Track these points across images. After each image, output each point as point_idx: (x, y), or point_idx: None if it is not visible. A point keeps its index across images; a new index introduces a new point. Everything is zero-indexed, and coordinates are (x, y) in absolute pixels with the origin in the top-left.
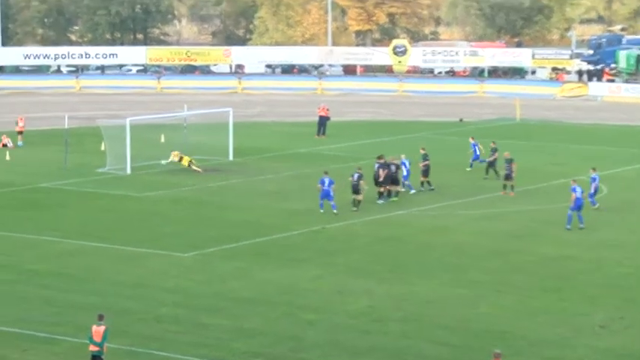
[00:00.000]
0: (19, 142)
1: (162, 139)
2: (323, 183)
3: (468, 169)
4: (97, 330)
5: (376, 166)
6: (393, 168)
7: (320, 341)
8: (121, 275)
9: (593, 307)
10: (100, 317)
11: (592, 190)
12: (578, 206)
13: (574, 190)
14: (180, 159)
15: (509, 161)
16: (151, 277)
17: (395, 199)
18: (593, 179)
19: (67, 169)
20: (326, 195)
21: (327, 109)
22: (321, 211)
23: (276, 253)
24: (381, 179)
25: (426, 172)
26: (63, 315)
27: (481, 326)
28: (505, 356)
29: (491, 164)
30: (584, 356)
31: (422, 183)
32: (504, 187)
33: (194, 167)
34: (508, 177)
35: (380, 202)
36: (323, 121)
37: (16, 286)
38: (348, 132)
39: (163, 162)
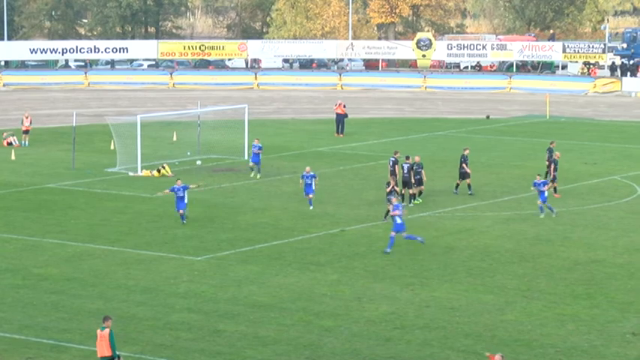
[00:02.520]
0: (25, 143)
1: (175, 138)
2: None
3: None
4: (102, 335)
5: (406, 167)
6: (419, 169)
7: (338, 350)
8: (131, 280)
9: (624, 313)
10: (104, 319)
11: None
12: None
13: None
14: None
15: (555, 163)
16: (162, 281)
17: (419, 201)
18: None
19: (75, 170)
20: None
21: (344, 106)
22: (311, 207)
23: (293, 257)
24: (413, 181)
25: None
26: (71, 321)
27: (508, 334)
28: None
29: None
30: None
31: (457, 185)
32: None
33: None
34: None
35: (410, 205)
36: (340, 118)
37: (22, 290)
38: (369, 130)
39: (198, 162)
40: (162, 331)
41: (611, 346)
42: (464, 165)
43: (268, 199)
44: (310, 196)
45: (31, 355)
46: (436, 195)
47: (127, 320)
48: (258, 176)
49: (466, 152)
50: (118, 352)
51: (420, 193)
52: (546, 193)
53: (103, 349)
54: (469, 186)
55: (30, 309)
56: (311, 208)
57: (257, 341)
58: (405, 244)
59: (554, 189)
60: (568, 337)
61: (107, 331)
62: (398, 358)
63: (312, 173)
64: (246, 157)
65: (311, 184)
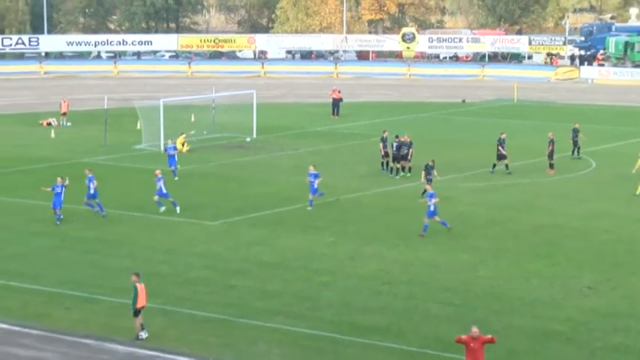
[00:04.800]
0: (65, 123)
1: (193, 119)
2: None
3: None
4: (142, 287)
5: (395, 144)
6: (405, 147)
7: (334, 301)
8: (155, 242)
9: (581, 270)
10: (134, 275)
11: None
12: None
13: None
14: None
15: (551, 141)
16: (182, 243)
17: (408, 174)
18: None
19: (106, 146)
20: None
21: (339, 92)
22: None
23: (295, 222)
24: (402, 156)
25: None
26: (102, 277)
27: (480, 288)
28: (502, 314)
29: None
30: (572, 315)
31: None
32: (550, 165)
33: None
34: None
35: (397, 177)
36: (336, 102)
37: (61, 251)
38: (361, 112)
39: (248, 139)
40: (182, 286)
41: (569, 298)
42: (500, 147)
43: (273, 172)
44: (311, 196)
45: (68, 305)
46: (420, 168)
47: (152, 276)
48: (176, 178)
49: (503, 136)
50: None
51: (409, 168)
52: None
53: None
54: (507, 166)
55: (67, 267)
56: (309, 208)
57: (264, 294)
58: (390, 211)
59: (550, 165)
60: (532, 290)
61: (141, 285)
62: (386, 309)
63: (315, 172)
64: (255, 136)
65: (313, 182)
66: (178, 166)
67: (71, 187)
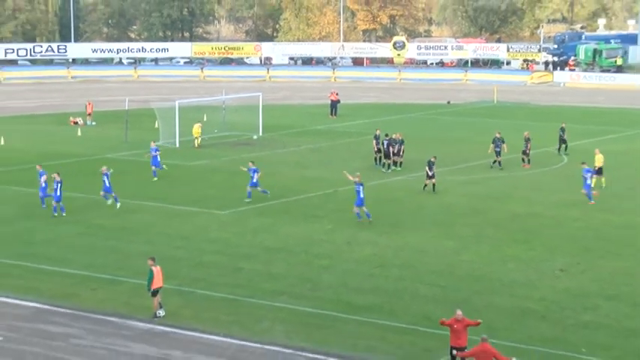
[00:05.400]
0: (90, 122)
1: (205, 119)
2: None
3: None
4: (158, 269)
5: (386, 142)
6: (395, 144)
7: (333, 283)
8: (171, 229)
9: (554, 255)
10: (150, 259)
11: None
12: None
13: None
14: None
15: (528, 140)
16: (195, 230)
17: (399, 169)
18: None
19: (127, 143)
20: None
21: (337, 94)
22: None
23: (297, 211)
24: (394, 152)
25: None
26: (124, 261)
27: (464, 271)
28: (483, 294)
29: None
30: (546, 295)
31: (494, 162)
32: (523, 160)
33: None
34: (500, 153)
35: (388, 171)
36: (334, 104)
37: (86, 237)
38: (356, 112)
39: (254, 137)
40: (195, 269)
41: (543, 280)
42: (493, 145)
43: (277, 166)
44: (249, 188)
45: (94, 286)
46: (409, 163)
47: (168, 260)
48: (155, 179)
49: (498, 135)
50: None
51: (400, 163)
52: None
53: (160, 280)
54: (499, 162)
55: (92, 252)
56: (247, 200)
57: (269, 276)
58: (383, 202)
59: (526, 160)
60: (510, 273)
61: (157, 268)
62: (379, 289)
63: (254, 167)
64: (261, 134)
65: (253, 176)
66: (164, 166)
67: (92, 180)
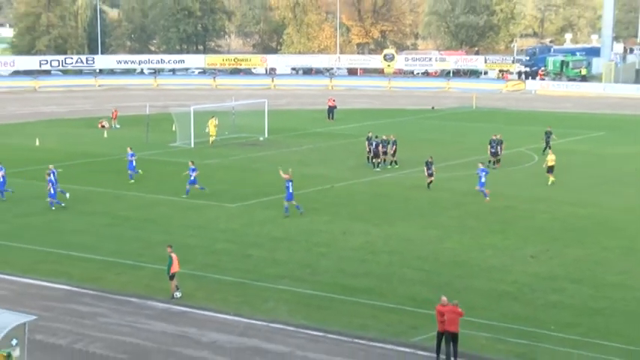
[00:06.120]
0: (117, 126)
1: (217, 122)
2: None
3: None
4: (176, 256)
5: (375, 143)
6: (385, 144)
7: (330, 268)
8: (187, 220)
9: (526, 243)
10: (169, 246)
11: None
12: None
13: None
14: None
15: (499, 142)
16: (208, 221)
17: (396, 166)
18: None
19: (148, 144)
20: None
21: (334, 100)
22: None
23: (298, 204)
24: (384, 152)
25: (495, 153)
26: (145, 249)
27: (447, 257)
28: (463, 278)
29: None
30: (519, 278)
31: (491, 162)
32: (492, 162)
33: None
34: (495, 154)
35: (377, 169)
36: (331, 109)
37: (112, 227)
38: (351, 117)
39: (261, 138)
40: (208, 255)
41: (516, 265)
42: (490, 147)
43: (281, 164)
44: (188, 186)
45: (118, 271)
46: (400, 161)
47: (184, 248)
48: (132, 181)
49: (494, 137)
50: (171, 272)
51: (395, 162)
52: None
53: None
54: (492, 162)
55: (117, 240)
56: (184, 196)
57: (274, 262)
58: (374, 196)
59: (498, 160)
60: (487, 259)
61: (173, 255)
62: (371, 273)
63: (193, 167)
64: (266, 136)
65: (192, 174)
66: (140, 171)
67: (118, 177)
